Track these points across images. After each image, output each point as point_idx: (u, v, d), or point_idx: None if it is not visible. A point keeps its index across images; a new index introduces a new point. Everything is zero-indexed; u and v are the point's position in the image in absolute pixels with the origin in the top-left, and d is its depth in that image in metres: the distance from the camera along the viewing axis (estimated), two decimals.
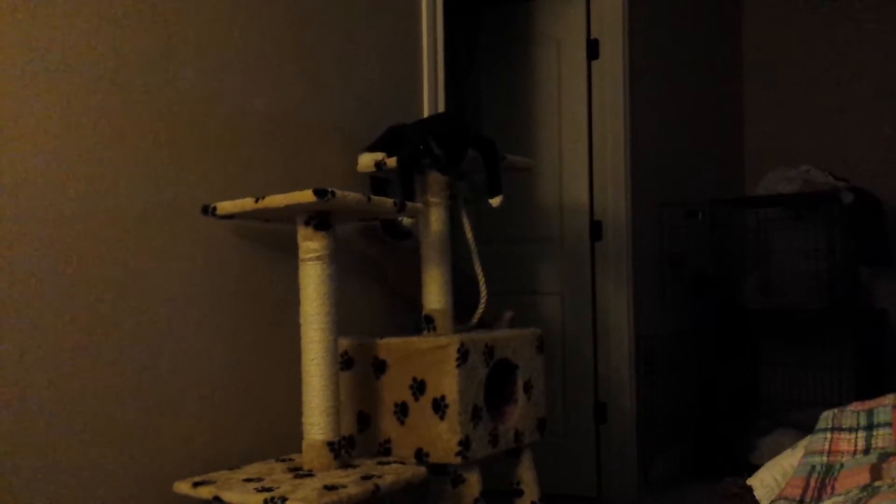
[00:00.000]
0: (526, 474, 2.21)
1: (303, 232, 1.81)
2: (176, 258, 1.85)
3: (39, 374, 1.60)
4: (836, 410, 1.80)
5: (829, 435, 1.74)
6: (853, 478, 1.49)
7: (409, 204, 1.93)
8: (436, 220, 2.18)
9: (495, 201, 2.15)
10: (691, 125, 4.10)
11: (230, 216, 1.86)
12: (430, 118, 2.35)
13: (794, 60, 4.49)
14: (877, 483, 1.41)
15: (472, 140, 2.13)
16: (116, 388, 1.72)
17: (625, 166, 3.47)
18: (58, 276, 1.63)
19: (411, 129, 2.21)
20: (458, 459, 1.95)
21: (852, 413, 1.77)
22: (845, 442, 1.69)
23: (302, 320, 1.80)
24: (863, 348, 3.76)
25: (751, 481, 1.76)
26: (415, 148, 2.09)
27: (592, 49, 3.53)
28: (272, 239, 2.07)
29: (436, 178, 2.19)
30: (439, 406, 1.97)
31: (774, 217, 3.93)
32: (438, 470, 2.00)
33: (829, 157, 4.31)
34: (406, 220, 2.14)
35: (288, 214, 1.84)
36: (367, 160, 2.21)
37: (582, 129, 3.53)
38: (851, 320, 3.79)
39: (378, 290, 2.38)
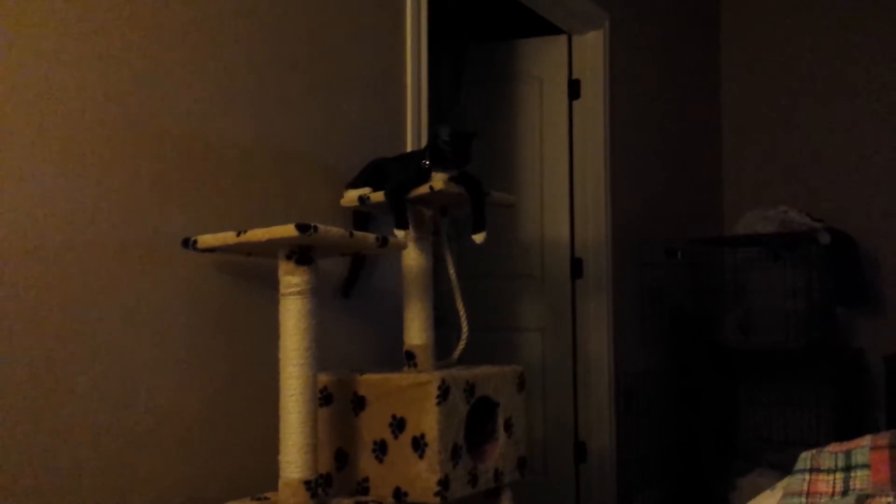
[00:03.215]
0: None
1: (284, 266, 1.80)
2: (155, 292, 1.83)
3: (13, 408, 1.57)
4: (814, 451, 1.80)
5: (807, 476, 1.74)
6: None
7: (392, 239, 1.93)
8: (418, 255, 2.18)
9: (479, 237, 2.14)
10: (671, 164, 4.14)
11: (211, 249, 1.85)
12: (413, 151, 2.36)
13: (773, 101, 4.57)
14: None
15: (464, 166, 2.11)
16: (91, 423, 1.69)
17: (605, 204, 3.49)
18: (35, 308, 1.61)
19: (393, 164, 2.22)
20: (437, 499, 1.93)
21: (830, 454, 1.77)
22: (823, 483, 1.69)
23: (281, 355, 1.79)
24: (841, 387, 3.78)
25: None
26: (415, 165, 2.08)
27: (574, 89, 3.57)
28: (253, 273, 2.06)
29: (419, 213, 2.19)
30: (419, 444, 1.95)
31: (753, 257, 3.97)
32: None
33: (806, 197, 4.37)
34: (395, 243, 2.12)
35: (270, 248, 1.83)
36: (352, 195, 2.21)
37: (563, 167, 3.56)
38: (829, 359, 3.81)
39: (359, 325, 2.36)
